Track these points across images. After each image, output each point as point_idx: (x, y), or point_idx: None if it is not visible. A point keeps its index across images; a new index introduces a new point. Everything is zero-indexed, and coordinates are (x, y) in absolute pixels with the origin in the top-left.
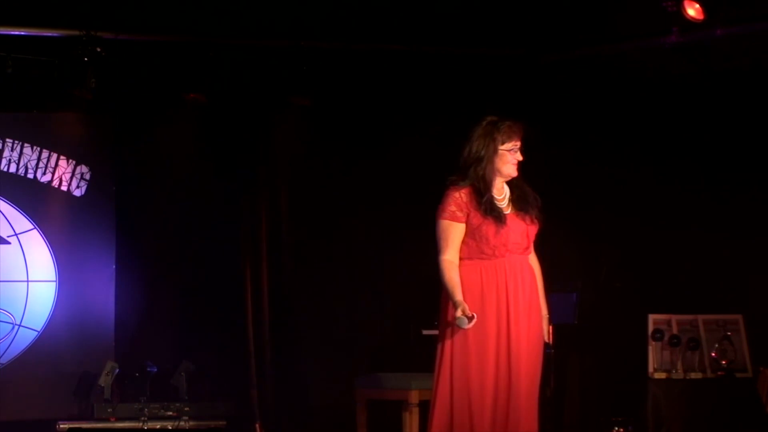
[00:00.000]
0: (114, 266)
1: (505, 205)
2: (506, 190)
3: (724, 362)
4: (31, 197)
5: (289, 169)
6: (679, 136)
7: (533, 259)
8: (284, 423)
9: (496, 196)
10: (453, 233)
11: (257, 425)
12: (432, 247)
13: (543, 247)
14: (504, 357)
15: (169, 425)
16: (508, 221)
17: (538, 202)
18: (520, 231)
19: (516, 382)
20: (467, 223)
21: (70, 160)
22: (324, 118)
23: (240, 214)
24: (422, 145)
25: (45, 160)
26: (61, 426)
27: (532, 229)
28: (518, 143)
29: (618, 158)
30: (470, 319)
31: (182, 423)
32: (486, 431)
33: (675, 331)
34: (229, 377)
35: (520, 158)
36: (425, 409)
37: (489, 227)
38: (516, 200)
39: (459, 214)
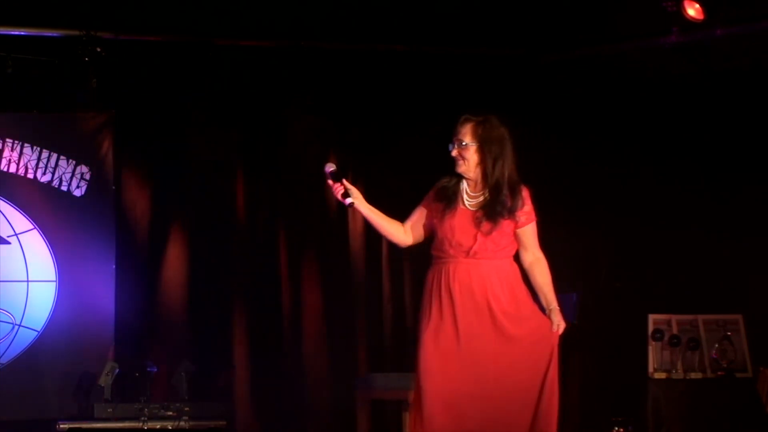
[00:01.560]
0: (114, 266)
1: (471, 203)
2: (486, 193)
3: (724, 362)
4: (31, 197)
5: (288, 168)
6: (679, 136)
7: (530, 259)
8: (284, 423)
9: (468, 193)
10: (414, 211)
11: (257, 425)
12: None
13: (543, 247)
14: (467, 361)
15: (169, 425)
16: (458, 217)
17: (509, 214)
18: (468, 233)
19: (487, 386)
20: (428, 212)
21: (70, 160)
22: (323, 118)
23: (240, 214)
24: (422, 145)
25: (45, 160)
26: (61, 426)
27: (488, 238)
28: (458, 138)
29: (618, 158)
30: (344, 196)
31: (182, 423)
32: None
33: (675, 331)
34: (229, 377)
35: (453, 153)
36: None
37: (438, 219)
38: (484, 204)
39: (427, 200)
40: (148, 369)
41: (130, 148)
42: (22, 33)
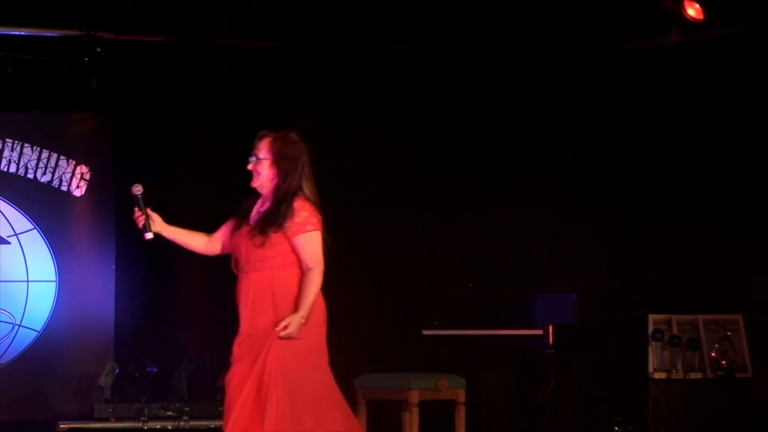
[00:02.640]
0: (114, 266)
1: (255, 218)
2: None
3: (724, 362)
4: (31, 197)
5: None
6: (678, 136)
7: (303, 270)
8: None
9: (257, 208)
10: (222, 226)
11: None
12: (432, 247)
13: (543, 246)
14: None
15: (169, 425)
16: (242, 233)
17: (278, 226)
18: (246, 247)
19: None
20: (227, 228)
21: (70, 160)
22: (323, 117)
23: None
24: (422, 144)
25: (45, 160)
26: (61, 426)
27: (259, 251)
28: (254, 152)
29: (618, 158)
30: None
31: (182, 423)
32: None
33: (675, 331)
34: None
35: (249, 167)
36: (425, 409)
37: (230, 235)
38: (259, 218)
39: (232, 215)
40: (148, 369)
41: (130, 148)
42: (22, 33)
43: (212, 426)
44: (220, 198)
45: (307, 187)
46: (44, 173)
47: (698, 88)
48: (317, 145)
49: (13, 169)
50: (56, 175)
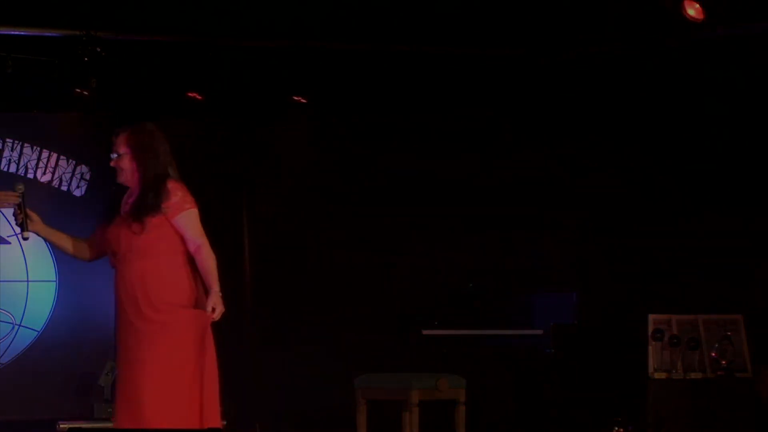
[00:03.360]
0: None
1: (125, 209)
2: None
3: (724, 362)
4: (31, 197)
5: (289, 169)
6: (678, 136)
7: (192, 248)
8: (284, 423)
9: (126, 200)
10: (96, 229)
11: (257, 425)
12: (432, 247)
13: (543, 246)
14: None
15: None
16: (114, 225)
17: (154, 210)
18: (122, 237)
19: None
20: (101, 229)
21: (70, 160)
22: (324, 117)
23: (239, 212)
24: (422, 144)
25: (45, 160)
26: (61, 426)
27: (139, 238)
28: (114, 150)
29: (618, 158)
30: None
31: None
32: None
33: (675, 331)
34: (229, 377)
35: (112, 164)
36: (425, 409)
37: (104, 232)
38: (131, 207)
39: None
40: None
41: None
42: (22, 33)
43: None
44: (220, 197)
45: (172, 172)
46: (44, 173)
47: (698, 88)
48: (317, 144)
49: (13, 169)
50: (56, 175)
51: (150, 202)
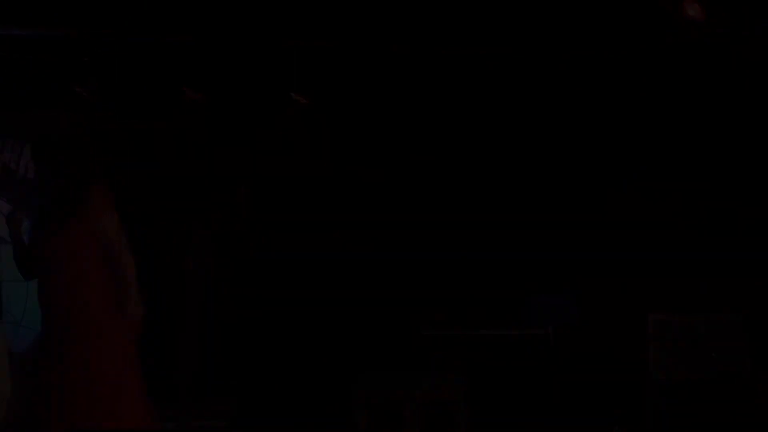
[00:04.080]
0: None
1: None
2: None
3: (723, 362)
4: (31, 197)
5: (288, 168)
6: (678, 136)
7: None
8: (284, 423)
9: (46, 210)
10: None
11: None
12: (432, 247)
13: (543, 247)
14: None
15: (169, 425)
16: (38, 238)
17: (71, 213)
18: (47, 246)
19: None
20: None
21: None
22: (324, 118)
23: (239, 212)
24: (422, 144)
25: None
26: None
27: (64, 244)
28: (29, 166)
29: (618, 158)
30: None
31: (182, 423)
32: None
33: (675, 331)
34: (229, 377)
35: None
36: (425, 409)
37: None
38: (53, 214)
39: None
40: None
41: (130, 147)
42: (22, 33)
43: (212, 426)
44: (220, 196)
45: (91, 179)
46: None
47: (698, 88)
48: (316, 144)
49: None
50: None
51: (69, 208)
